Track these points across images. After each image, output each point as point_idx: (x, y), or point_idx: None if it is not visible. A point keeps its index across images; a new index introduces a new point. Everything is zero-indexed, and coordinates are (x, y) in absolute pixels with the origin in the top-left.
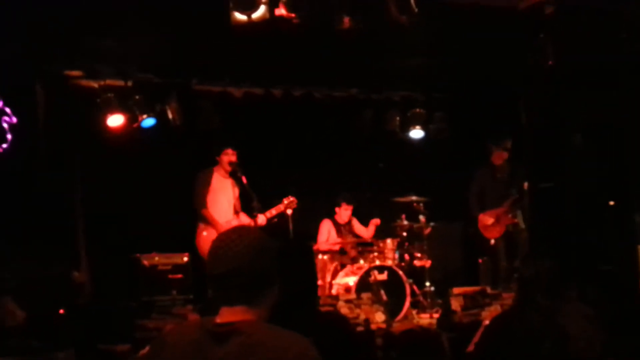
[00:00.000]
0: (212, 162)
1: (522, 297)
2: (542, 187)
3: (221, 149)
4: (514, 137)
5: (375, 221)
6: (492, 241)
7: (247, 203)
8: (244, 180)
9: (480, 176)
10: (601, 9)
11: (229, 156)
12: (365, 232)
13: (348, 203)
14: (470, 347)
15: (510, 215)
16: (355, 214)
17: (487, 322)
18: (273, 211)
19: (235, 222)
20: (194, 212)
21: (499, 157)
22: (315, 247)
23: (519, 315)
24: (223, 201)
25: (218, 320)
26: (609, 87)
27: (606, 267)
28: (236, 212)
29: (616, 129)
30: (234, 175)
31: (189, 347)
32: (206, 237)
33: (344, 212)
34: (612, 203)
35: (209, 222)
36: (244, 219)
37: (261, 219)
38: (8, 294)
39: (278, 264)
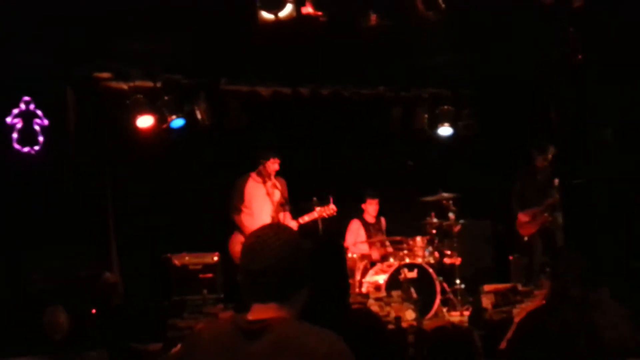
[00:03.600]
0: (243, 163)
1: (554, 291)
2: (574, 184)
3: (269, 156)
4: (545, 133)
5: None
6: (526, 238)
7: (282, 208)
8: (285, 185)
9: (521, 176)
10: (630, 2)
11: (274, 165)
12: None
13: (372, 197)
14: (503, 344)
15: (546, 214)
16: (385, 212)
17: (518, 318)
18: (305, 218)
19: None
20: (227, 216)
21: (542, 161)
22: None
23: (551, 311)
24: (262, 207)
25: (250, 317)
26: (639, 80)
27: (638, 264)
28: (274, 218)
29: None
30: (271, 181)
31: (221, 344)
32: (238, 241)
33: (370, 208)
34: None
35: (239, 226)
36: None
37: (293, 225)
38: (55, 302)
39: (311, 263)
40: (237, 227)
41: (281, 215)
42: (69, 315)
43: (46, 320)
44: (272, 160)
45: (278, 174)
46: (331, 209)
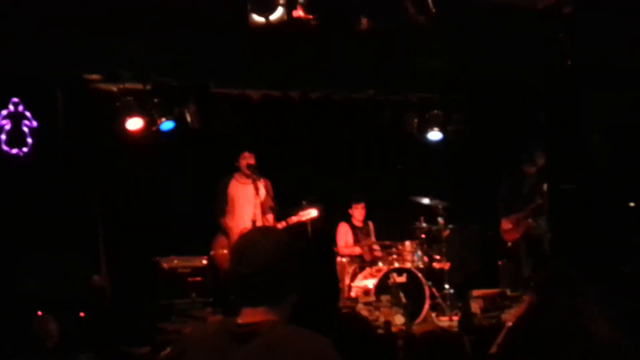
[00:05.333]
0: (231, 166)
1: (542, 298)
2: (563, 189)
3: (238, 153)
4: (534, 138)
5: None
6: (509, 244)
7: (267, 209)
8: (270, 185)
9: (507, 181)
10: (620, 7)
11: (247, 159)
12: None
13: (357, 202)
14: (493, 349)
15: (530, 220)
16: (373, 216)
17: (510, 323)
18: (294, 219)
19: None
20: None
21: (529, 168)
22: (335, 250)
23: (542, 316)
24: (244, 207)
25: (239, 320)
26: (628, 86)
27: (627, 268)
28: (257, 219)
29: (636, 129)
30: (253, 179)
31: (210, 348)
32: (221, 245)
33: (356, 212)
34: (632, 204)
35: (224, 229)
36: (270, 223)
37: (281, 225)
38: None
39: (301, 266)
40: (222, 231)
41: (267, 217)
42: (58, 323)
43: (36, 328)
44: (242, 155)
45: (266, 174)
46: (309, 213)
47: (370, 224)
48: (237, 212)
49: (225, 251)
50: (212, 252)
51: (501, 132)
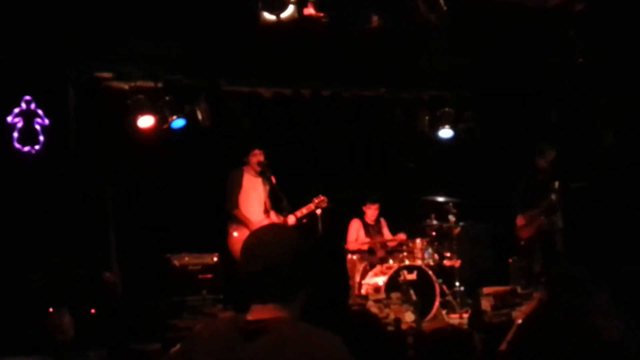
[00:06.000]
0: (242, 163)
1: (551, 297)
2: (574, 187)
3: (249, 151)
4: (545, 136)
5: (401, 236)
6: (523, 242)
7: (276, 203)
8: (274, 180)
9: (523, 178)
10: (631, 6)
11: (257, 157)
12: (390, 238)
13: (373, 202)
14: (503, 346)
15: (543, 217)
16: (384, 214)
17: (519, 320)
18: (304, 210)
19: (266, 222)
20: (224, 212)
21: (542, 164)
22: (345, 247)
23: (551, 314)
24: (254, 200)
25: (249, 317)
26: (639, 85)
27: (637, 267)
28: (266, 211)
29: None
30: (263, 175)
31: (220, 344)
32: (237, 237)
33: (370, 212)
34: None
35: (240, 222)
36: (275, 218)
37: (291, 219)
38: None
39: (312, 263)
40: (233, 221)
41: (272, 213)
42: (72, 318)
43: (52, 323)
44: (252, 152)
45: (276, 172)
46: (322, 199)
47: (383, 220)
48: (250, 204)
49: (236, 234)
50: (230, 246)
51: (512, 130)
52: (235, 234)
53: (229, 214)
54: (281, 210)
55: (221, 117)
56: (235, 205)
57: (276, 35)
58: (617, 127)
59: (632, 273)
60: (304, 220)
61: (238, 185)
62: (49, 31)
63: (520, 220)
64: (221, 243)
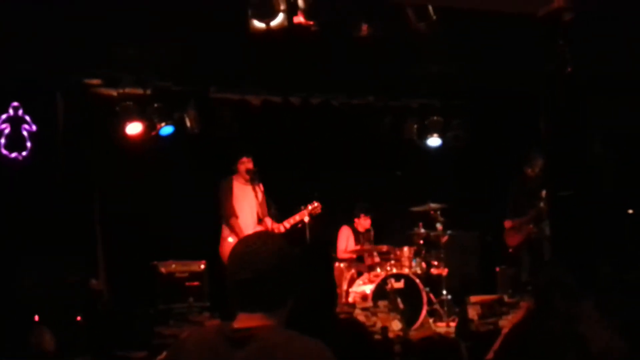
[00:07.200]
0: (230, 171)
1: (539, 304)
2: (561, 195)
3: (237, 159)
4: (534, 145)
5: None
6: (511, 250)
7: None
8: (261, 187)
9: (513, 186)
10: (620, 15)
11: (245, 164)
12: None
13: (366, 214)
14: (489, 355)
15: (531, 225)
16: (373, 221)
17: (506, 329)
18: (297, 217)
19: (260, 229)
20: (217, 220)
21: (530, 172)
22: (335, 255)
23: (538, 322)
24: (245, 209)
25: (235, 325)
26: (628, 93)
27: (625, 275)
28: (260, 219)
29: (636, 136)
30: (253, 182)
31: (206, 352)
32: (233, 243)
33: (363, 222)
34: (631, 211)
35: (234, 230)
36: (270, 225)
37: (285, 226)
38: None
39: (298, 272)
40: (227, 227)
41: (266, 220)
42: (53, 335)
43: (33, 341)
44: (240, 160)
45: (266, 179)
46: (316, 205)
47: (373, 230)
48: (242, 212)
49: (231, 240)
50: (223, 249)
51: (500, 139)
52: (230, 239)
53: (225, 222)
54: (271, 218)
55: (210, 124)
56: (232, 213)
57: (266, 43)
58: (605, 136)
59: (619, 282)
60: (299, 226)
61: (229, 193)
62: (37, 37)
63: (508, 224)
64: (208, 250)
